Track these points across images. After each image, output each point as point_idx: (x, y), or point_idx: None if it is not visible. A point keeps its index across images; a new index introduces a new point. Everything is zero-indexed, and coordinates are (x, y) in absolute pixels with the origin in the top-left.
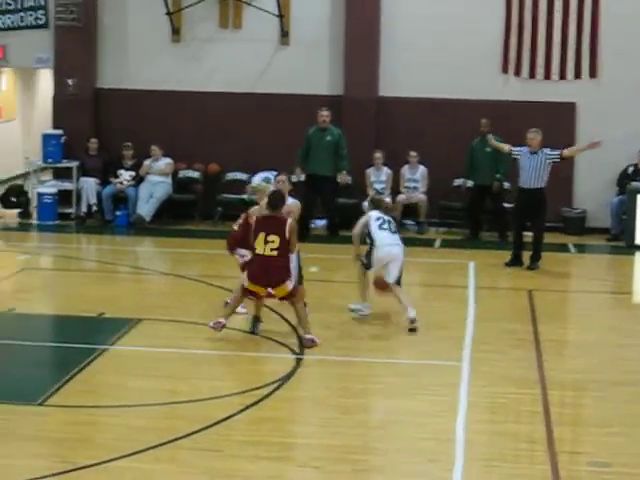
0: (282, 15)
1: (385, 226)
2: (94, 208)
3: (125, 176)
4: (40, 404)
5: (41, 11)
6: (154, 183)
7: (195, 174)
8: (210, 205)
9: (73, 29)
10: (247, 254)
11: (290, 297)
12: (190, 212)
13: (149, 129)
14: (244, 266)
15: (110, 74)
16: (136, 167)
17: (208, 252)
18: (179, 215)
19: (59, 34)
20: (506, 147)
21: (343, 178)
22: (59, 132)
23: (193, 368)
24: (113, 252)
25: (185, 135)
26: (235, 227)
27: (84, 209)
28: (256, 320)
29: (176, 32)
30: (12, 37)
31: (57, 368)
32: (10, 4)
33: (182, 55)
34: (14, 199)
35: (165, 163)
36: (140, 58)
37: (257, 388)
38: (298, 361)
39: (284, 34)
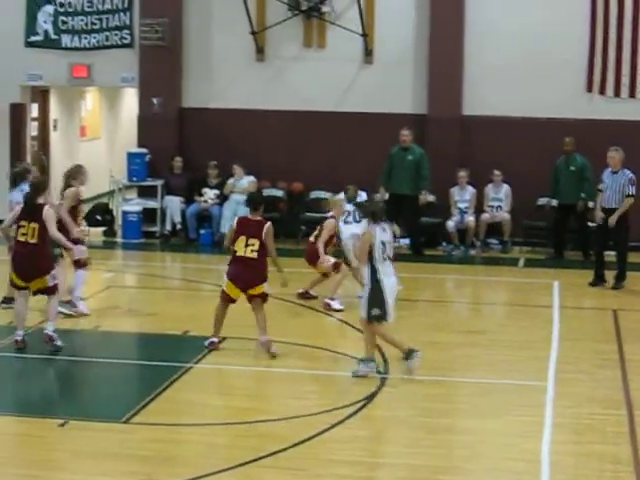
0: (366, 34)
1: (349, 219)
2: (178, 226)
3: (209, 195)
4: (125, 422)
5: (126, 30)
6: (238, 202)
7: (279, 193)
8: (294, 224)
9: (158, 48)
10: (331, 258)
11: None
12: (274, 230)
13: (233, 148)
14: (334, 267)
15: (194, 93)
16: (220, 186)
17: (292, 270)
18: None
19: (144, 53)
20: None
21: (424, 197)
22: (144, 151)
23: (277, 386)
24: (197, 270)
25: (269, 154)
26: (312, 239)
27: (168, 227)
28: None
29: (260, 51)
30: (97, 56)
31: (142, 386)
32: (95, 23)
33: (266, 74)
34: (99, 217)
35: (249, 182)
36: (224, 77)
37: (342, 407)
38: (383, 380)
39: (368, 53)
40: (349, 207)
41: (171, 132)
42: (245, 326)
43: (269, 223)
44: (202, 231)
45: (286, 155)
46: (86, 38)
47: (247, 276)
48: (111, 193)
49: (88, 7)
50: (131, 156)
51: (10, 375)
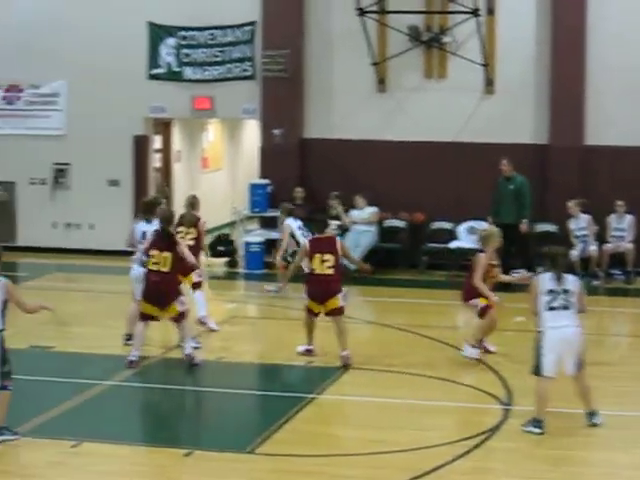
0: (487, 64)
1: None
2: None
3: (331, 225)
4: (249, 452)
5: (248, 62)
6: (360, 232)
7: (400, 223)
8: (415, 254)
9: (280, 80)
10: (479, 303)
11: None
12: (395, 261)
13: (354, 178)
14: (482, 313)
15: (316, 124)
16: (341, 216)
17: (414, 301)
18: (384, 264)
19: (266, 85)
20: None
21: (523, 227)
22: (266, 182)
23: (399, 418)
24: None
25: (390, 184)
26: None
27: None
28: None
29: (381, 82)
30: (219, 88)
31: (266, 416)
32: (217, 56)
33: (387, 105)
34: (221, 248)
35: (370, 212)
36: (345, 108)
37: (466, 439)
38: (506, 412)
39: (489, 83)
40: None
41: (292, 163)
42: (367, 356)
43: (339, 237)
44: None
45: (407, 185)
46: (208, 70)
47: (325, 291)
48: (233, 224)
49: (210, 40)
50: (253, 187)
51: (136, 405)
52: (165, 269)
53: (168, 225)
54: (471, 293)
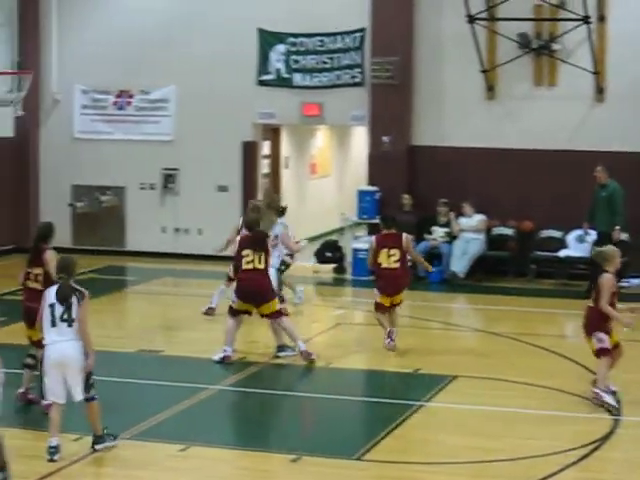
0: (598, 71)
1: None
2: (408, 264)
3: (439, 233)
4: (357, 459)
5: (357, 69)
6: (468, 240)
7: (509, 231)
8: (524, 262)
9: (388, 87)
10: (606, 339)
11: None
12: (503, 269)
13: (463, 186)
14: (599, 353)
15: (424, 131)
16: (449, 223)
17: (522, 310)
18: (492, 272)
19: (375, 92)
20: None
21: (616, 235)
22: (374, 188)
23: (508, 426)
24: (426, 308)
25: (499, 192)
26: (590, 304)
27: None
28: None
29: (491, 89)
30: (328, 95)
31: (373, 423)
32: (327, 62)
33: (496, 112)
34: (329, 254)
35: (478, 220)
36: (455, 115)
37: (575, 448)
38: (616, 422)
39: (599, 90)
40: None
41: (401, 170)
42: (475, 364)
43: (405, 233)
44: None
45: (516, 193)
46: (317, 77)
47: (394, 284)
48: (340, 230)
49: (319, 46)
50: (361, 194)
51: (243, 409)
52: (260, 266)
53: (256, 225)
54: (596, 323)
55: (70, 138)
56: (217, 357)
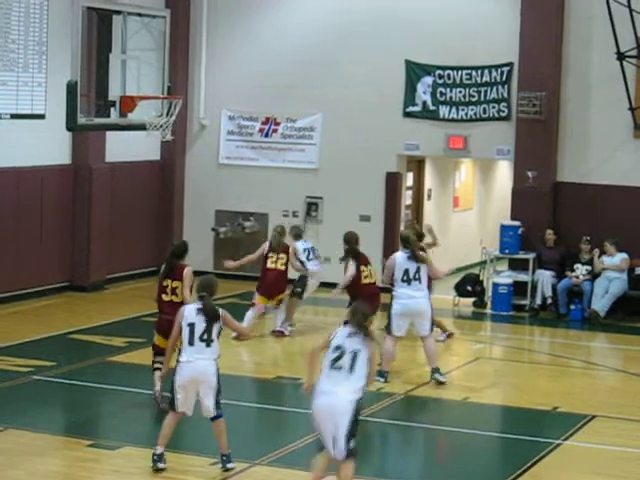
0: None
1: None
2: (549, 301)
3: (581, 270)
4: None
5: (504, 103)
6: (610, 278)
7: None
8: None
9: (535, 122)
10: None
11: None
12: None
13: (607, 223)
14: None
15: (570, 168)
16: (592, 261)
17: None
18: (634, 312)
19: (521, 126)
20: None
21: None
22: (517, 223)
23: None
24: (566, 346)
25: None
26: None
27: (539, 301)
28: None
29: (638, 127)
30: (474, 128)
31: (509, 460)
32: (473, 96)
33: None
34: (469, 288)
35: (621, 259)
36: (601, 152)
37: None
38: None
39: None
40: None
41: (545, 205)
42: (615, 405)
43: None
44: (572, 306)
45: None
46: (463, 110)
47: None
48: (482, 264)
49: (467, 79)
50: (504, 228)
51: (377, 440)
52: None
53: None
54: None
55: (215, 163)
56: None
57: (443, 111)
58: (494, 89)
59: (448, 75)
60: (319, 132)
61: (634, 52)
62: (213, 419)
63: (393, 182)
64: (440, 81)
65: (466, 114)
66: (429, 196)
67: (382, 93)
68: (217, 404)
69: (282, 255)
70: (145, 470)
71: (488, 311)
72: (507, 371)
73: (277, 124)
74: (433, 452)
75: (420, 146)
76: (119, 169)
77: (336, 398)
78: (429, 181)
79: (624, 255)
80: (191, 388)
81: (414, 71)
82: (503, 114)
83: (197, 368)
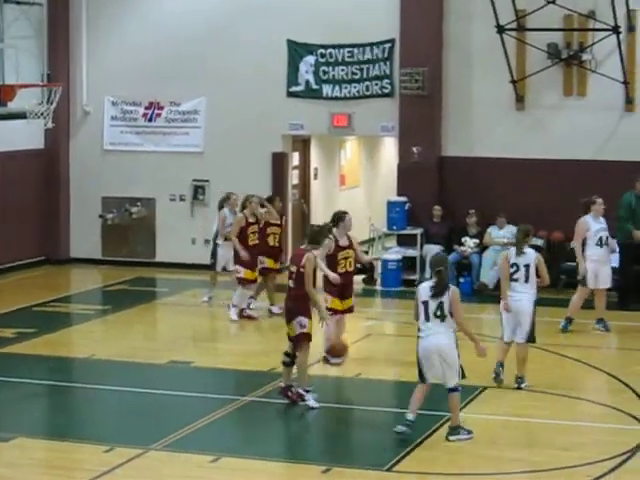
0: (627, 82)
1: None
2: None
3: (469, 243)
4: (388, 469)
5: (387, 80)
6: (498, 250)
7: (539, 242)
8: (554, 273)
9: (418, 97)
10: None
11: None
12: None
13: (492, 197)
14: None
15: (454, 142)
16: (480, 234)
17: (552, 320)
18: None
19: (404, 103)
20: None
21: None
22: (403, 199)
23: (539, 437)
24: None
25: (528, 202)
26: None
27: (428, 275)
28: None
29: (520, 100)
30: (358, 106)
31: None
32: (356, 73)
33: (526, 123)
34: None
35: (508, 231)
36: (484, 126)
37: (605, 460)
38: None
39: (629, 101)
40: None
41: (430, 181)
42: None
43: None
44: (461, 279)
45: (546, 204)
46: (347, 88)
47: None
48: (371, 241)
49: (349, 57)
50: (391, 204)
51: (273, 420)
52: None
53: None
54: None
55: (100, 150)
56: None
57: (326, 90)
58: (376, 66)
59: (330, 54)
60: (203, 115)
61: (514, 25)
62: (451, 390)
63: (279, 162)
64: (322, 60)
65: (349, 92)
66: (315, 175)
67: (265, 74)
68: (459, 375)
69: None
70: (40, 462)
71: (378, 287)
72: (399, 347)
73: (161, 108)
74: (328, 430)
75: (305, 125)
76: (1, 159)
77: None
78: (315, 160)
79: (512, 227)
80: (435, 357)
81: (296, 50)
82: (386, 91)
83: (436, 340)
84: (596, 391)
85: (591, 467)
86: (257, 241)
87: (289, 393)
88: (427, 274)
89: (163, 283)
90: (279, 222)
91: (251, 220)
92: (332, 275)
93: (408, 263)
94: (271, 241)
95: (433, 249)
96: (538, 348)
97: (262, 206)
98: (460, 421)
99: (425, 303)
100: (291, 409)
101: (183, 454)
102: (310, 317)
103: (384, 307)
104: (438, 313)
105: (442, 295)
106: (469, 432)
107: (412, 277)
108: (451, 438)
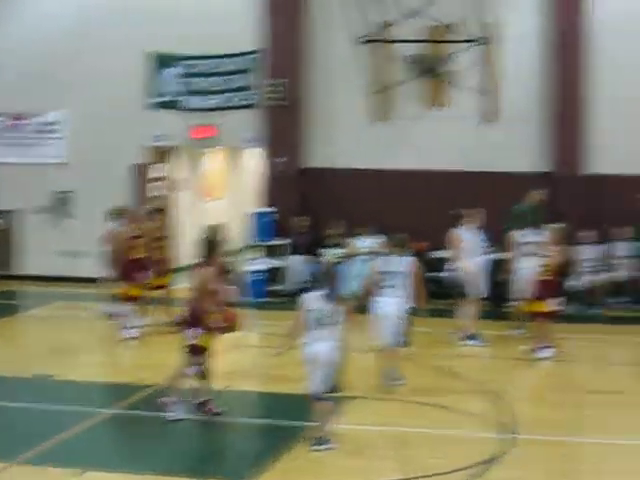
0: (488, 93)
1: None
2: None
3: (330, 254)
4: None
5: (250, 91)
6: (364, 261)
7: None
8: None
9: (281, 108)
10: None
11: None
12: None
13: (356, 207)
14: None
15: (316, 153)
16: (343, 245)
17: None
18: None
19: (267, 114)
20: None
21: None
22: (269, 210)
23: (402, 446)
24: None
25: (392, 212)
26: None
27: (290, 287)
28: None
29: (381, 111)
30: (221, 117)
31: (269, 445)
32: (220, 85)
33: (388, 134)
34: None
35: (373, 241)
36: (346, 137)
37: (466, 468)
38: (512, 440)
39: (491, 111)
40: None
41: (294, 192)
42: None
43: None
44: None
45: (409, 214)
46: (210, 99)
47: None
48: (235, 252)
49: (212, 68)
50: (257, 215)
51: (137, 433)
52: None
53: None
54: None
55: None
56: None
57: (189, 101)
58: (241, 77)
59: (193, 65)
60: (66, 126)
61: (376, 37)
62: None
63: (141, 174)
64: (185, 71)
65: (214, 103)
66: (179, 187)
67: (126, 86)
68: None
69: None
70: None
71: (244, 299)
72: (265, 360)
73: (24, 120)
74: (191, 442)
75: (167, 137)
76: None
77: None
78: (178, 172)
79: (376, 238)
80: None
81: (160, 62)
82: (250, 102)
83: None
84: (463, 399)
85: (460, 474)
86: (141, 255)
87: (205, 408)
88: (293, 285)
89: (26, 296)
90: (164, 235)
91: (135, 234)
92: None
93: (274, 274)
94: (156, 255)
95: (297, 260)
96: (408, 358)
97: (150, 219)
98: (326, 431)
99: (312, 312)
100: (158, 422)
101: (46, 468)
102: (204, 329)
103: (250, 318)
104: (325, 321)
105: (332, 303)
106: (331, 442)
107: (278, 288)
108: (315, 448)
